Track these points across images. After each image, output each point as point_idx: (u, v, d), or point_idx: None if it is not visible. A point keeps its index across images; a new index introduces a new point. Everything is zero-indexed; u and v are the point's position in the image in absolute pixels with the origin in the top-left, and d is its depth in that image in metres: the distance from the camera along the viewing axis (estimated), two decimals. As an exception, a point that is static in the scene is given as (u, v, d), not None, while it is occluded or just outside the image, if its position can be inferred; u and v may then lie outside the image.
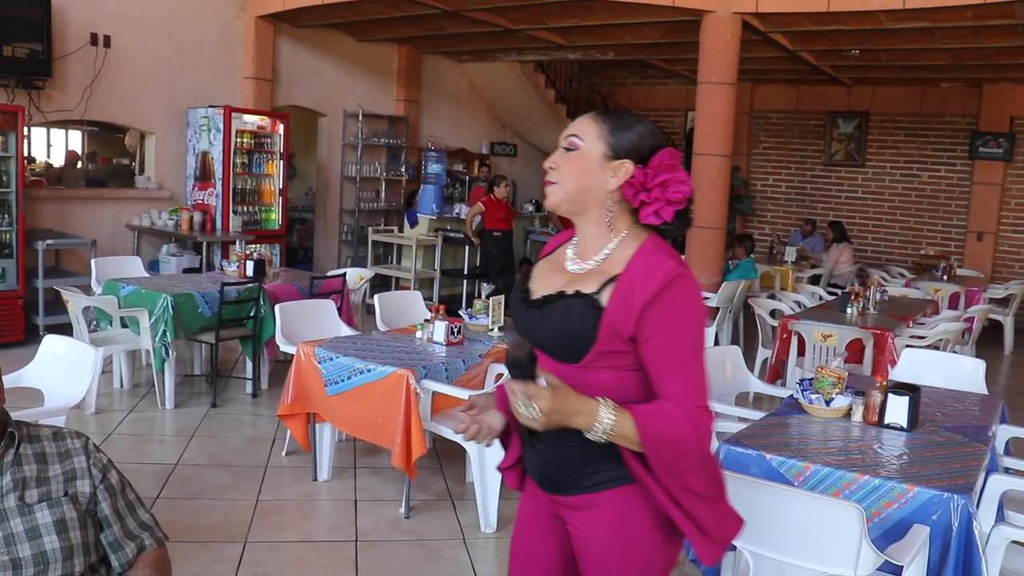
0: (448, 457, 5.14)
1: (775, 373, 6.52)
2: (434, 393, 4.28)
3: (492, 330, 5.12)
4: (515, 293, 2.03)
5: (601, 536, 1.90)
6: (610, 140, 1.86)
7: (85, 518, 1.96)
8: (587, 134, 1.88)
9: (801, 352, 6.28)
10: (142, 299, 5.94)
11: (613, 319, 1.78)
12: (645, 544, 1.89)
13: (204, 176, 9.38)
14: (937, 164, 12.48)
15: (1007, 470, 3.61)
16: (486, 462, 4.17)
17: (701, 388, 1.78)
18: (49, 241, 7.61)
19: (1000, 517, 3.26)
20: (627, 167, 1.85)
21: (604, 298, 1.80)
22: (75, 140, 13.37)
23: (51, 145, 13.53)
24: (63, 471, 1.97)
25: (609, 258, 1.87)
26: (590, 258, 1.91)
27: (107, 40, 8.66)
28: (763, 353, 7.09)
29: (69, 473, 1.97)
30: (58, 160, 12.56)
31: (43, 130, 12.49)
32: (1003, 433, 3.92)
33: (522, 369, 1.69)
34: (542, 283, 1.96)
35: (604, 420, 1.72)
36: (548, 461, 1.93)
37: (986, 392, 4.39)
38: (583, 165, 1.87)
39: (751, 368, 6.51)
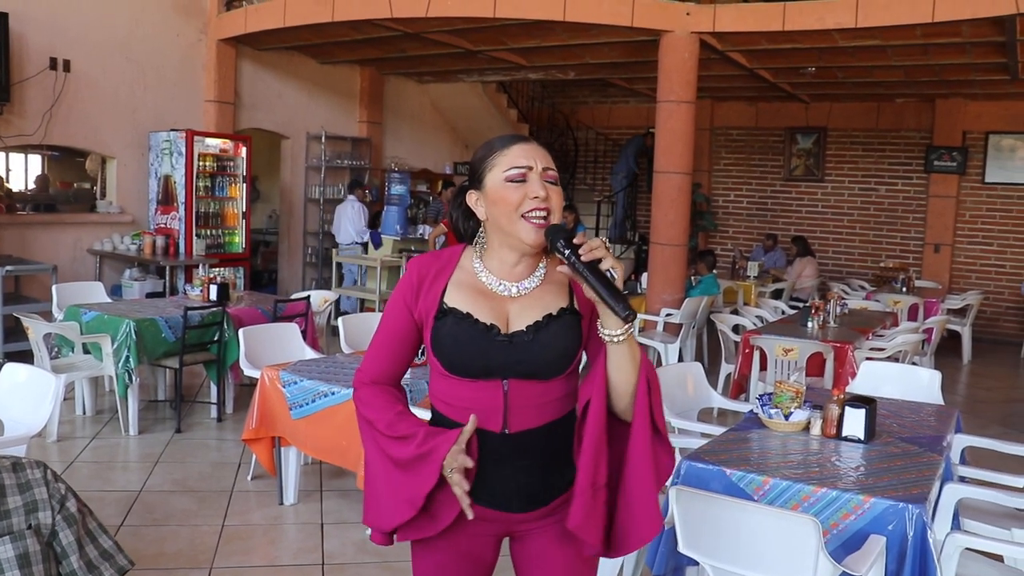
0: (415, 478, 5.13)
1: (738, 388, 6.59)
2: (399, 415, 4.28)
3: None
4: (472, 331, 1.90)
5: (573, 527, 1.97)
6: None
7: (47, 551, 1.94)
8: (556, 175, 1.93)
9: (764, 367, 6.36)
10: (104, 325, 5.89)
11: (587, 320, 1.93)
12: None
13: (166, 200, 9.33)
14: (894, 178, 12.72)
15: (962, 479, 3.69)
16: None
17: None
18: (8, 267, 7.51)
19: (956, 525, 3.33)
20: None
21: (576, 304, 1.94)
22: (35, 164, 13.23)
23: (10, 170, 13.36)
24: (24, 503, 1.95)
25: (546, 277, 1.96)
26: (524, 279, 1.94)
27: (67, 64, 8.62)
28: (726, 368, 7.17)
29: (30, 505, 1.95)
30: (17, 185, 12.41)
31: (2, 155, 12.35)
32: (959, 442, 4.00)
33: (568, 238, 1.80)
34: (495, 313, 1.91)
35: (630, 320, 1.80)
36: (528, 480, 1.94)
37: (942, 403, 4.48)
38: (562, 201, 1.93)
39: (715, 383, 6.58)
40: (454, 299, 1.93)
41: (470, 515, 1.83)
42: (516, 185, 1.87)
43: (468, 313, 1.91)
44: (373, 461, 1.99)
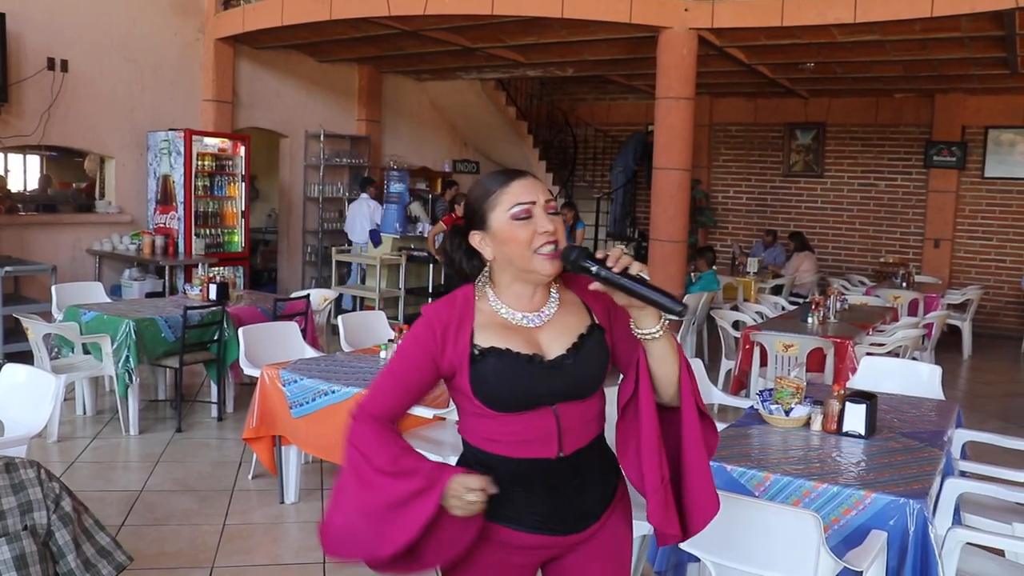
0: (416, 476, 5.13)
1: (739, 384, 6.59)
2: (400, 413, 4.28)
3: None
4: (516, 364, 1.90)
5: (625, 532, 2.09)
6: None
7: (44, 551, 1.94)
8: (556, 205, 1.97)
9: (764, 362, 6.36)
10: (104, 325, 5.88)
11: (609, 335, 1.99)
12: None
13: (165, 199, 9.32)
14: (893, 173, 12.71)
15: (963, 473, 3.69)
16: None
17: None
18: (8, 268, 7.51)
19: (957, 520, 3.33)
20: None
21: (597, 319, 2.00)
22: (33, 165, 13.23)
23: (8, 171, 13.37)
24: (19, 503, 1.95)
25: (561, 299, 2.00)
26: (543, 307, 1.98)
27: (64, 64, 8.61)
28: (727, 364, 7.16)
29: (25, 505, 1.94)
30: (16, 185, 12.40)
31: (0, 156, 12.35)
32: (959, 437, 4.00)
33: (589, 255, 1.84)
34: (529, 344, 1.93)
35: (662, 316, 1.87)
36: (581, 499, 1.98)
37: (943, 398, 4.47)
38: (564, 228, 1.97)
39: (715, 379, 6.58)
40: (486, 340, 1.92)
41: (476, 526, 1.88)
42: (523, 223, 1.89)
43: (507, 348, 1.91)
44: (351, 493, 1.95)
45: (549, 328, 1.96)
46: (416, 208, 11.52)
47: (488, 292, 1.98)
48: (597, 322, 1.99)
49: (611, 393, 2.05)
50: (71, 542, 1.99)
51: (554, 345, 1.94)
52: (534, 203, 1.90)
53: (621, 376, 1.98)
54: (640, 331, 1.84)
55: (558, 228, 1.91)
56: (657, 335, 1.84)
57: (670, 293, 1.80)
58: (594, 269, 1.80)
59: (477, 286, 2.00)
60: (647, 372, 1.87)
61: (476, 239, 1.96)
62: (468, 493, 1.81)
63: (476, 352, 1.91)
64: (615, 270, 1.78)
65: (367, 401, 2.00)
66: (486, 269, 2.00)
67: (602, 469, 2.03)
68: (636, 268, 1.79)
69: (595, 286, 1.83)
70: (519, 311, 1.96)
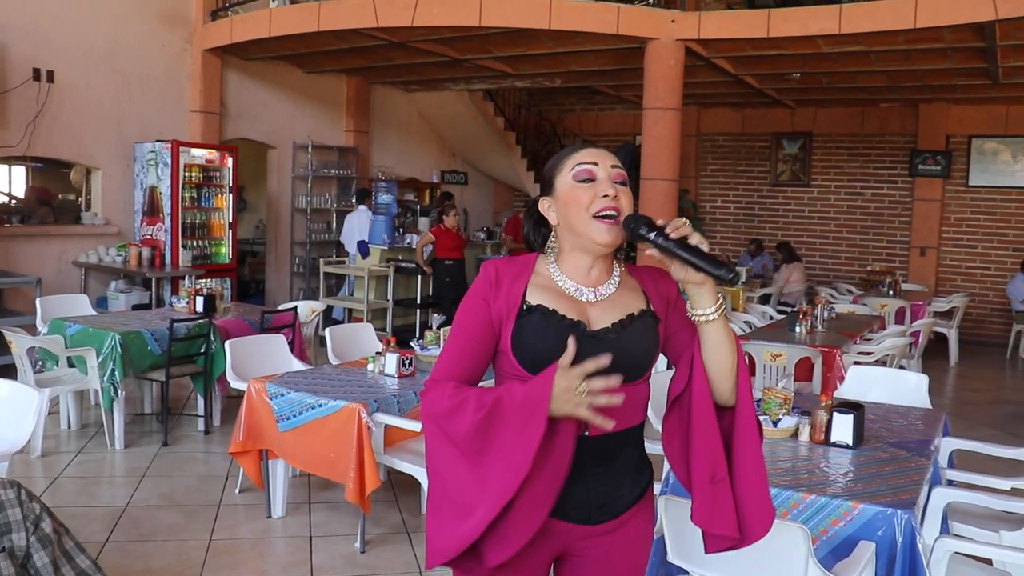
0: (403, 489, 5.12)
1: (727, 393, 6.58)
2: (387, 426, 4.27)
3: (445, 360, 5.11)
4: (559, 326, 1.85)
5: (644, 539, 2.03)
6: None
7: (22, 573, 1.91)
8: (625, 175, 1.94)
9: (752, 372, 6.36)
10: (89, 338, 5.84)
11: (663, 327, 1.95)
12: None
13: (152, 211, 9.29)
14: (879, 182, 12.79)
15: (950, 482, 3.70)
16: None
17: None
18: (-8, 281, 7.47)
19: (944, 529, 3.33)
20: None
21: (652, 306, 1.95)
22: (19, 176, 13.14)
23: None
24: (-3, 524, 1.92)
25: (622, 279, 1.97)
26: (601, 285, 1.94)
27: (50, 75, 8.58)
28: (715, 374, 7.14)
29: (3, 527, 1.92)
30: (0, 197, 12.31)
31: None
32: (947, 446, 4.01)
33: (649, 224, 1.81)
34: (578, 313, 1.88)
35: (720, 299, 1.84)
36: (602, 489, 1.91)
37: (930, 406, 4.49)
38: (631, 203, 1.93)
39: (703, 389, 6.58)
40: (536, 298, 1.89)
41: (608, 424, 1.74)
42: (586, 185, 1.88)
43: (554, 309, 1.87)
44: (447, 468, 1.83)
45: (602, 305, 1.91)
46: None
47: (550, 258, 1.97)
48: (653, 309, 1.94)
49: (659, 383, 2.03)
50: (50, 564, 1.96)
51: (602, 318, 1.89)
52: (596, 165, 1.89)
53: (674, 369, 1.94)
54: (696, 312, 1.82)
55: (622, 197, 1.88)
56: (712, 316, 1.81)
57: (725, 261, 1.80)
58: (652, 236, 1.78)
59: (542, 255, 2.00)
60: (702, 364, 1.84)
61: (544, 204, 1.96)
62: (580, 381, 1.70)
63: (524, 307, 1.88)
64: (672, 236, 1.77)
65: (434, 371, 1.93)
66: (552, 238, 1.98)
67: (632, 465, 1.95)
68: (696, 239, 1.76)
69: (651, 252, 1.80)
70: (576, 283, 1.93)
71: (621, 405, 1.77)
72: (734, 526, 1.86)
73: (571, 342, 1.74)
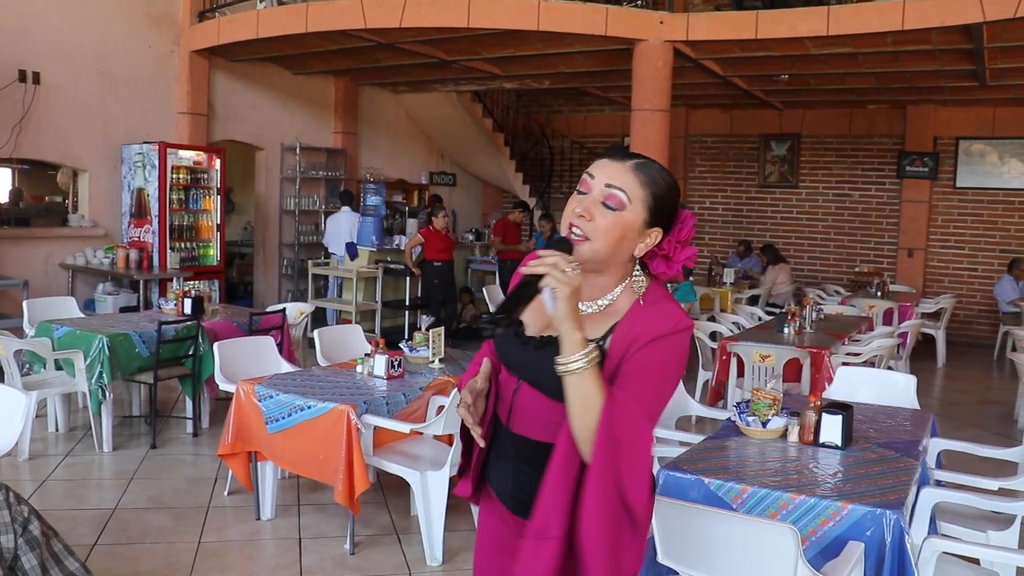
0: (392, 491, 5.11)
1: (716, 395, 6.61)
2: (376, 428, 4.27)
3: (433, 362, 5.12)
4: (516, 330, 1.89)
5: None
6: (652, 208, 1.78)
7: (10, 575, 1.90)
8: (634, 196, 1.76)
9: (741, 373, 6.38)
10: (77, 340, 5.81)
11: (614, 363, 1.74)
12: None
13: (140, 213, 9.25)
14: (867, 183, 12.83)
15: (938, 482, 3.71)
16: (430, 495, 4.16)
17: (659, 410, 1.75)
18: (-22, 283, 7.42)
19: (933, 529, 3.35)
20: (656, 235, 1.82)
21: (608, 342, 1.76)
22: (4, 178, 13.07)
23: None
24: (-16, 527, 1.91)
25: (614, 303, 1.82)
26: (592, 300, 1.82)
27: (36, 76, 8.53)
28: (704, 375, 7.18)
29: (-9, 529, 1.91)
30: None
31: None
32: (935, 446, 4.03)
33: (567, 251, 1.71)
34: (536, 319, 1.84)
35: (591, 354, 1.65)
36: (524, 487, 1.85)
37: (918, 407, 4.51)
38: (623, 231, 1.76)
39: (693, 391, 6.61)
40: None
41: (479, 440, 1.85)
42: (578, 197, 1.79)
43: (523, 320, 1.87)
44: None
45: None
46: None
47: None
48: (603, 344, 1.76)
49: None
50: (38, 567, 1.95)
51: (549, 330, 1.78)
52: (594, 178, 1.78)
53: None
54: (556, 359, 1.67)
55: (597, 221, 1.74)
56: (561, 369, 1.65)
57: (511, 305, 1.67)
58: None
59: None
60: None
61: None
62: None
63: None
64: (523, 270, 1.67)
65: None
66: None
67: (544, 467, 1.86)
68: (551, 282, 1.62)
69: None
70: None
71: (538, 415, 1.81)
72: None
73: (485, 363, 1.92)
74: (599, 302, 1.83)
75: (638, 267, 1.85)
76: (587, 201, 1.77)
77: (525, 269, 1.66)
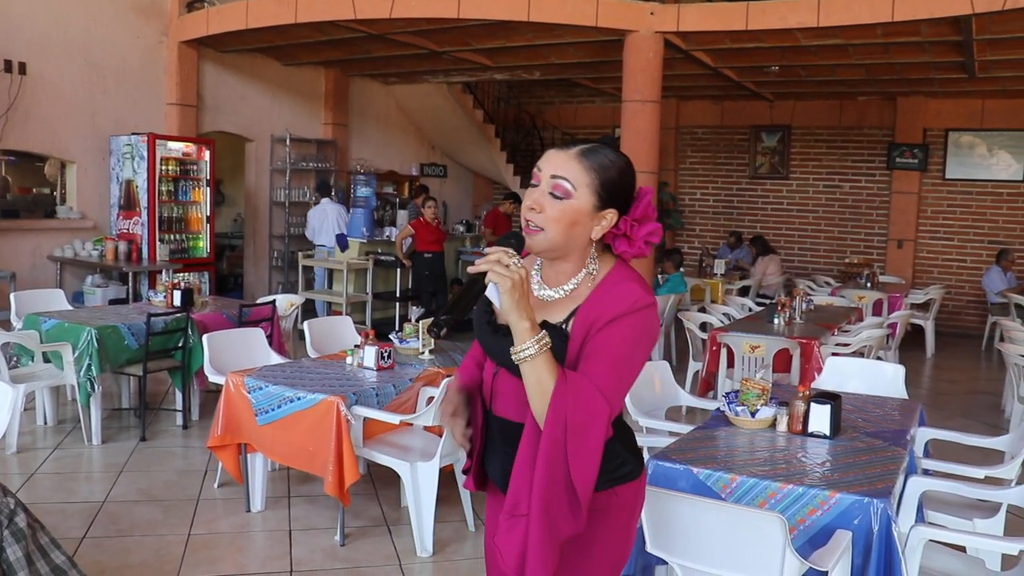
0: (382, 482, 5.11)
1: (706, 385, 6.62)
2: (366, 419, 4.26)
3: (423, 353, 5.12)
4: (479, 313, 1.98)
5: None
6: (600, 192, 1.83)
7: (-5, 567, 1.90)
8: (578, 183, 1.82)
9: (731, 364, 6.39)
10: (65, 333, 5.78)
11: (577, 345, 1.81)
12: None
13: (129, 205, 9.21)
14: (857, 175, 12.87)
15: (926, 471, 3.73)
16: (420, 486, 4.16)
17: (620, 390, 1.80)
18: (-34, 276, 7.38)
19: (920, 517, 3.36)
20: (611, 217, 1.87)
21: (570, 325, 1.84)
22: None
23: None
24: (-29, 519, 1.91)
25: (577, 288, 1.89)
26: (559, 286, 1.90)
27: (22, 67, 8.48)
28: (694, 366, 7.20)
29: (-24, 522, 1.91)
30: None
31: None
32: (922, 435, 4.04)
33: (515, 245, 1.78)
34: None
35: (541, 340, 1.73)
36: (509, 468, 1.89)
37: (906, 397, 4.53)
38: (573, 218, 1.83)
39: (683, 381, 6.62)
40: None
41: (463, 444, 2.03)
42: (530, 190, 1.87)
43: (490, 304, 1.94)
44: None
45: (541, 305, 1.89)
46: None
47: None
48: (565, 327, 1.84)
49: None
50: (23, 559, 1.95)
51: None
52: (540, 171, 1.85)
53: None
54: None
55: (547, 211, 1.82)
56: (515, 358, 1.75)
57: (450, 309, 1.73)
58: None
59: None
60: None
61: None
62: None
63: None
64: (470, 269, 1.75)
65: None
66: None
67: None
68: (495, 278, 1.70)
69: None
70: (541, 279, 1.95)
71: (516, 397, 1.87)
72: (516, 566, 1.81)
73: (453, 381, 2.08)
74: (564, 287, 1.90)
75: (594, 250, 1.91)
76: (536, 193, 1.84)
77: (471, 268, 1.75)
